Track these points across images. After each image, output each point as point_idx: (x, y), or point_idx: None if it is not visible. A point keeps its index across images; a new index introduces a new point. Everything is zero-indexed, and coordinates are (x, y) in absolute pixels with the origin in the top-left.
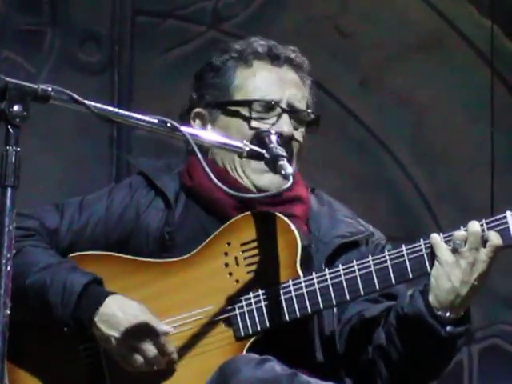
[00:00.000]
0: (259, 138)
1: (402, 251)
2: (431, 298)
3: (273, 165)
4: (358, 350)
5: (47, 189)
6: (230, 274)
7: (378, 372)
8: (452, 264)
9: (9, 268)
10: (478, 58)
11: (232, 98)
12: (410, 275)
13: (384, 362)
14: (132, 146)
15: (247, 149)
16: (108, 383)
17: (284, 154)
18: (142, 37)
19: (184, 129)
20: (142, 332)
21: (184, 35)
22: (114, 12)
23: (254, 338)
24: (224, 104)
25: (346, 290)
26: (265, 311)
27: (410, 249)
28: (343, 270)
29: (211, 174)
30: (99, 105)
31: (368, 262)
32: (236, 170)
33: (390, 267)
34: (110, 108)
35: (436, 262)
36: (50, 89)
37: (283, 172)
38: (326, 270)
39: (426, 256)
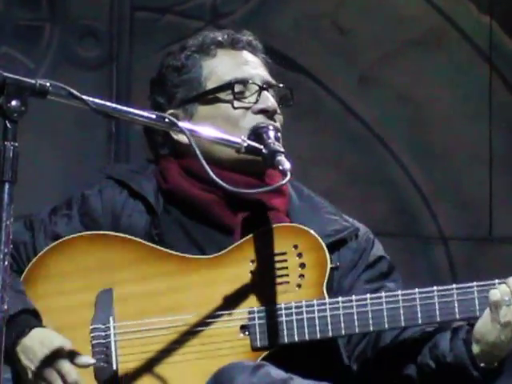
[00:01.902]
0: (257, 134)
1: (451, 289)
2: (475, 350)
3: (271, 160)
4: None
5: (45, 184)
6: (255, 282)
7: None
8: (506, 323)
9: (6, 263)
10: (476, 55)
11: (206, 88)
12: (457, 316)
13: None
14: (130, 141)
15: (245, 144)
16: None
17: (282, 149)
18: (141, 32)
19: (182, 124)
20: (54, 364)
21: (182, 31)
22: (113, 7)
23: (269, 351)
24: (200, 95)
25: (371, 321)
26: (285, 326)
27: (461, 289)
28: (370, 299)
29: (209, 170)
30: (97, 100)
31: (397, 296)
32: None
33: (418, 306)
34: (108, 103)
35: (489, 317)
36: (48, 84)
37: (281, 167)
38: (353, 297)
39: (477, 300)
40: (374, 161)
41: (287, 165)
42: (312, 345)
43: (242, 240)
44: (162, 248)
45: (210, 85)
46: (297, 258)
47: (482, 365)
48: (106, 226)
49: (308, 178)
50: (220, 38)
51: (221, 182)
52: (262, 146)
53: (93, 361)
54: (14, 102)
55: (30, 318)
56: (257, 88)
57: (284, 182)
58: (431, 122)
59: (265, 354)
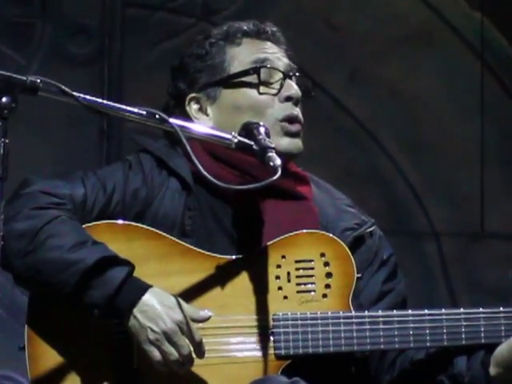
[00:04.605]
0: (248, 130)
1: (478, 313)
2: (493, 373)
3: (261, 156)
4: None
5: None
6: (280, 288)
7: None
8: None
9: None
10: (467, 50)
11: (230, 73)
12: (483, 340)
13: None
14: (122, 138)
15: (236, 140)
16: (136, 365)
17: (273, 145)
18: (132, 29)
19: (173, 121)
20: (179, 326)
21: (174, 28)
22: (104, 4)
23: (291, 360)
24: (225, 79)
25: (396, 339)
26: (310, 337)
27: (488, 313)
28: (397, 317)
29: (198, 164)
30: (88, 97)
31: (424, 315)
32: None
33: (444, 328)
34: (99, 100)
35: None
36: (38, 80)
37: (272, 164)
38: (380, 312)
39: (503, 326)
40: (365, 157)
41: (278, 161)
42: (335, 357)
43: (268, 243)
44: (185, 244)
45: (234, 69)
46: (324, 267)
47: None
48: (142, 200)
49: (314, 177)
50: (245, 28)
51: (208, 175)
52: (252, 143)
53: (210, 313)
54: (4, 99)
55: (138, 279)
56: (281, 75)
57: (274, 178)
58: (423, 118)
59: (288, 362)
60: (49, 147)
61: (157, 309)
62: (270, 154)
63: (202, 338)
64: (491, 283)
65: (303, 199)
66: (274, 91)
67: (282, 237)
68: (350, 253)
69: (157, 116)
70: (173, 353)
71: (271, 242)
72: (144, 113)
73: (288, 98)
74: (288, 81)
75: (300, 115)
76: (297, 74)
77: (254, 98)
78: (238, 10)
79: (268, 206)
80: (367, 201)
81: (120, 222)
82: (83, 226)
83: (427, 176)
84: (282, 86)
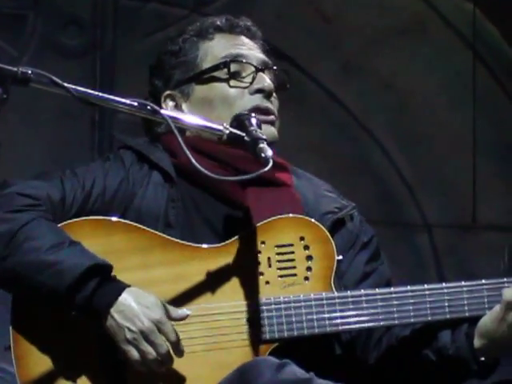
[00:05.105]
0: (239, 121)
1: (461, 286)
2: (477, 344)
3: (253, 147)
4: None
5: (28, 172)
6: (261, 273)
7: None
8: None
9: None
10: (459, 42)
11: (202, 68)
12: (467, 314)
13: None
14: (114, 129)
15: (227, 132)
16: (122, 357)
17: (264, 136)
18: (124, 20)
19: (164, 112)
20: (156, 326)
21: (166, 19)
22: None
23: (278, 344)
24: (196, 75)
25: (381, 317)
26: (294, 319)
27: (470, 286)
28: (380, 294)
29: (190, 156)
30: (79, 88)
31: (406, 291)
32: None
33: (428, 303)
34: (91, 91)
35: (498, 315)
36: (29, 72)
37: (263, 155)
38: (362, 291)
39: (486, 298)
40: (357, 148)
41: (269, 152)
42: (320, 339)
43: (247, 230)
44: (165, 235)
45: (206, 65)
46: (304, 251)
47: (482, 359)
48: (124, 195)
49: (292, 165)
50: (218, 23)
51: (202, 169)
52: (244, 134)
53: (188, 312)
54: None
55: (115, 278)
56: (253, 69)
57: (266, 168)
58: (415, 109)
59: (273, 346)
60: (41, 139)
61: (134, 308)
62: (262, 145)
63: (179, 336)
64: (483, 274)
65: (284, 186)
66: (245, 84)
67: (260, 223)
68: (329, 235)
69: (148, 107)
70: (151, 352)
71: (251, 229)
72: (136, 104)
73: (258, 91)
74: (260, 74)
75: (271, 106)
76: (274, 67)
77: (225, 92)
78: (229, 1)
79: (250, 195)
80: (359, 192)
81: (99, 217)
82: (63, 223)
83: (419, 167)
84: (253, 79)
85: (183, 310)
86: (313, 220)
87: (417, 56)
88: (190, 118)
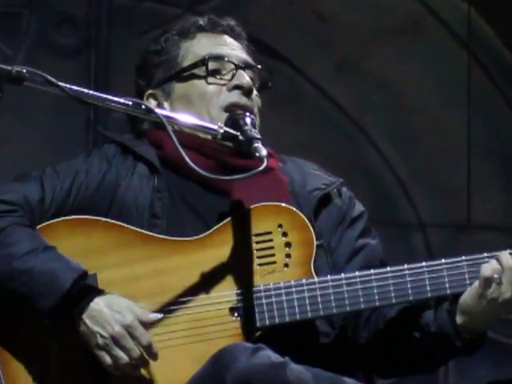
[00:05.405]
0: (234, 121)
1: (441, 264)
2: (459, 321)
3: (247, 147)
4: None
5: (22, 170)
6: (240, 263)
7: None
8: (493, 299)
9: None
10: (454, 41)
11: (182, 66)
12: (448, 291)
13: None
14: (109, 128)
15: (222, 131)
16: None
17: (258, 136)
18: (119, 19)
19: (158, 111)
20: (127, 330)
21: (161, 17)
22: None
23: (260, 332)
24: (176, 73)
25: (361, 299)
26: (275, 307)
27: (450, 263)
28: (360, 277)
29: (184, 154)
30: (74, 87)
31: (386, 272)
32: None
33: (408, 283)
34: (85, 90)
35: (477, 291)
36: (24, 70)
37: (258, 154)
38: (342, 275)
39: (467, 274)
40: (352, 147)
41: (264, 152)
42: (302, 325)
43: (225, 220)
44: (145, 231)
45: (187, 63)
46: (282, 238)
47: (465, 336)
48: (108, 188)
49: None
50: (201, 22)
51: (195, 167)
52: (238, 133)
53: (160, 315)
54: None
55: (87, 283)
56: (232, 67)
57: (261, 168)
58: (409, 108)
59: (256, 335)
60: (36, 137)
61: (105, 313)
62: (256, 144)
63: (151, 340)
64: None
65: (270, 171)
66: (224, 82)
67: (239, 212)
68: (307, 221)
69: (143, 106)
70: (122, 357)
71: (229, 219)
72: (130, 103)
73: (237, 87)
74: (240, 72)
75: (249, 103)
76: (257, 66)
77: (203, 89)
78: (224, 0)
79: (236, 182)
80: (353, 191)
81: (77, 216)
82: (42, 225)
83: (414, 167)
84: (233, 76)
85: (155, 314)
86: (290, 206)
87: (412, 55)
88: (185, 118)
